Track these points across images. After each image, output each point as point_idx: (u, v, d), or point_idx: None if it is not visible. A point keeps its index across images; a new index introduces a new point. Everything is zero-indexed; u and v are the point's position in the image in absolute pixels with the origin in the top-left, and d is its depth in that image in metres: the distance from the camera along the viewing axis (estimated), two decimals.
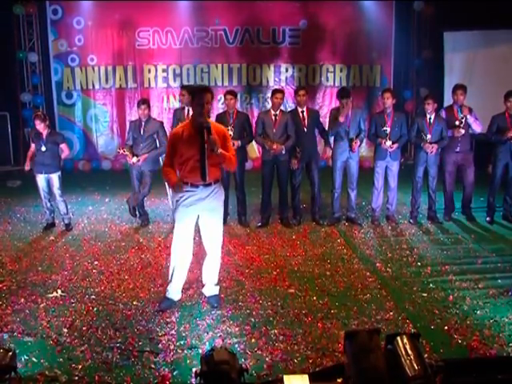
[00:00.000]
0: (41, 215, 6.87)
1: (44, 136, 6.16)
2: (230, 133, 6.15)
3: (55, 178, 6.24)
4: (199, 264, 4.72)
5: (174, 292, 4.17)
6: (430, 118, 6.24)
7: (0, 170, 9.99)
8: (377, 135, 6.35)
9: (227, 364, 2.74)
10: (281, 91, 6.37)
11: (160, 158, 6.48)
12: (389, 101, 6.23)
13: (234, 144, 6.13)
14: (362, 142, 6.41)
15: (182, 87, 6.48)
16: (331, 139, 6.53)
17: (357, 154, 6.37)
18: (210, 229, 4.08)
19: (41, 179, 6.24)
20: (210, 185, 3.93)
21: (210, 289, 4.25)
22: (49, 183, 6.28)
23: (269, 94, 9.88)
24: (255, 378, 3.08)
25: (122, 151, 6.39)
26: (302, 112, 6.28)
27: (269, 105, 10.15)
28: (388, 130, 6.20)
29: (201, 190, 3.92)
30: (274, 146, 6.13)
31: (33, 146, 6.31)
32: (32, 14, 10.49)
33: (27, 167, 6.39)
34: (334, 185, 6.45)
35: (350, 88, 8.90)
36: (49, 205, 6.36)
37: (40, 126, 6.14)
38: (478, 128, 6.32)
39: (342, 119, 6.08)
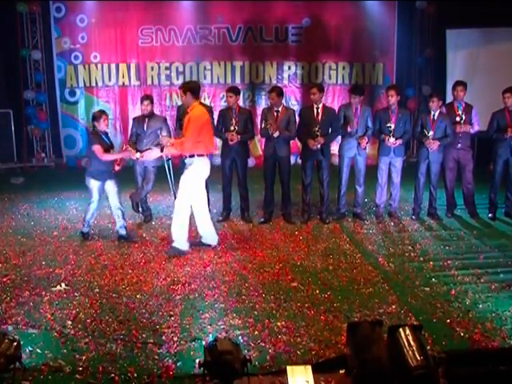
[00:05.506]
0: (44, 211, 6.90)
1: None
2: (232, 128, 6.22)
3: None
4: (200, 256, 4.75)
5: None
6: (434, 115, 6.25)
7: (3, 166, 10.03)
8: (381, 131, 6.36)
9: (231, 354, 2.77)
10: (273, 90, 6.24)
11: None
12: (393, 98, 6.24)
13: (232, 138, 6.19)
14: (369, 139, 6.44)
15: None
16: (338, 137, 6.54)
17: (365, 151, 6.40)
18: None
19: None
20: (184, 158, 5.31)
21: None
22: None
23: None
24: (258, 369, 3.10)
25: (125, 147, 6.41)
26: (317, 109, 6.20)
27: None
28: (392, 126, 6.21)
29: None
30: (272, 128, 6.04)
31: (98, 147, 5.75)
32: (35, 12, 10.49)
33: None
34: (340, 181, 6.47)
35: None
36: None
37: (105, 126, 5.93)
38: (475, 127, 6.41)
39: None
